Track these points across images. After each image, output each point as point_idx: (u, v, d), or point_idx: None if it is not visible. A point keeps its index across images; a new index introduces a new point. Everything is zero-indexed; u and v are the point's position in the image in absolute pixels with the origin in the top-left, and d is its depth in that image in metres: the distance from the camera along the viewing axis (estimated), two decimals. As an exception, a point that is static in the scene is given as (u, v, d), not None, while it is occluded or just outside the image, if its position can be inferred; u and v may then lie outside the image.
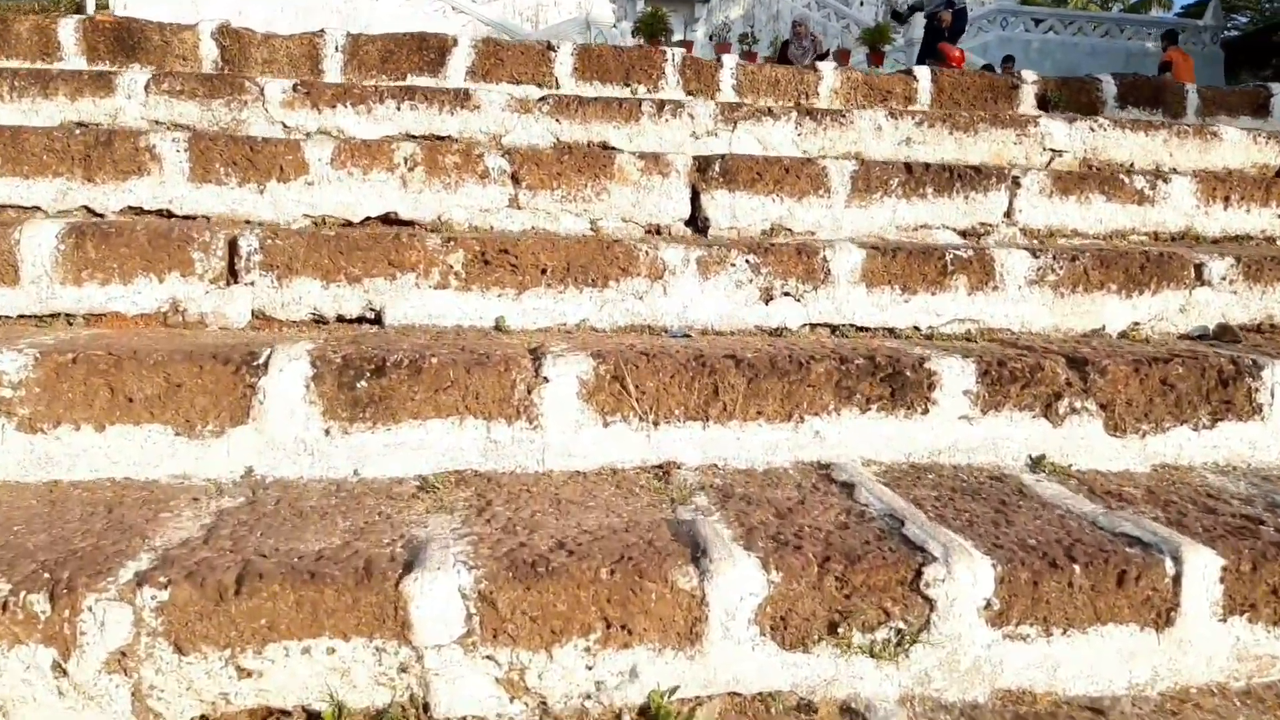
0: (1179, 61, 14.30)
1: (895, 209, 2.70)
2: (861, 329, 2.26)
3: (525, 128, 2.80)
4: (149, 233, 2.08)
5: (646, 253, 2.19)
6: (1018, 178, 2.76)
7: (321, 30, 3.96)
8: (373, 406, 1.64)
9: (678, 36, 22.89)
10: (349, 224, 2.51)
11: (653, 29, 19.79)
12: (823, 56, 11.45)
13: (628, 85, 4.00)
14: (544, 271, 2.15)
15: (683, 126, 2.84)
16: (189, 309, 2.07)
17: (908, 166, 2.70)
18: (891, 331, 2.27)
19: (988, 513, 1.53)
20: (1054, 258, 2.32)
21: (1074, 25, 22.14)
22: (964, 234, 2.75)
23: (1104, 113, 4.31)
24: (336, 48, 3.88)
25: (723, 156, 2.63)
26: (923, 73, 4.16)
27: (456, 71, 3.91)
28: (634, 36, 20.72)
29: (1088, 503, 1.61)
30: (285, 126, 2.88)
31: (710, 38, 22.95)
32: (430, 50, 3.91)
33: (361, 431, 1.64)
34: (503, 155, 2.56)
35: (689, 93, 4.04)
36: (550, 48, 3.98)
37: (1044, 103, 4.24)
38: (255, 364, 1.64)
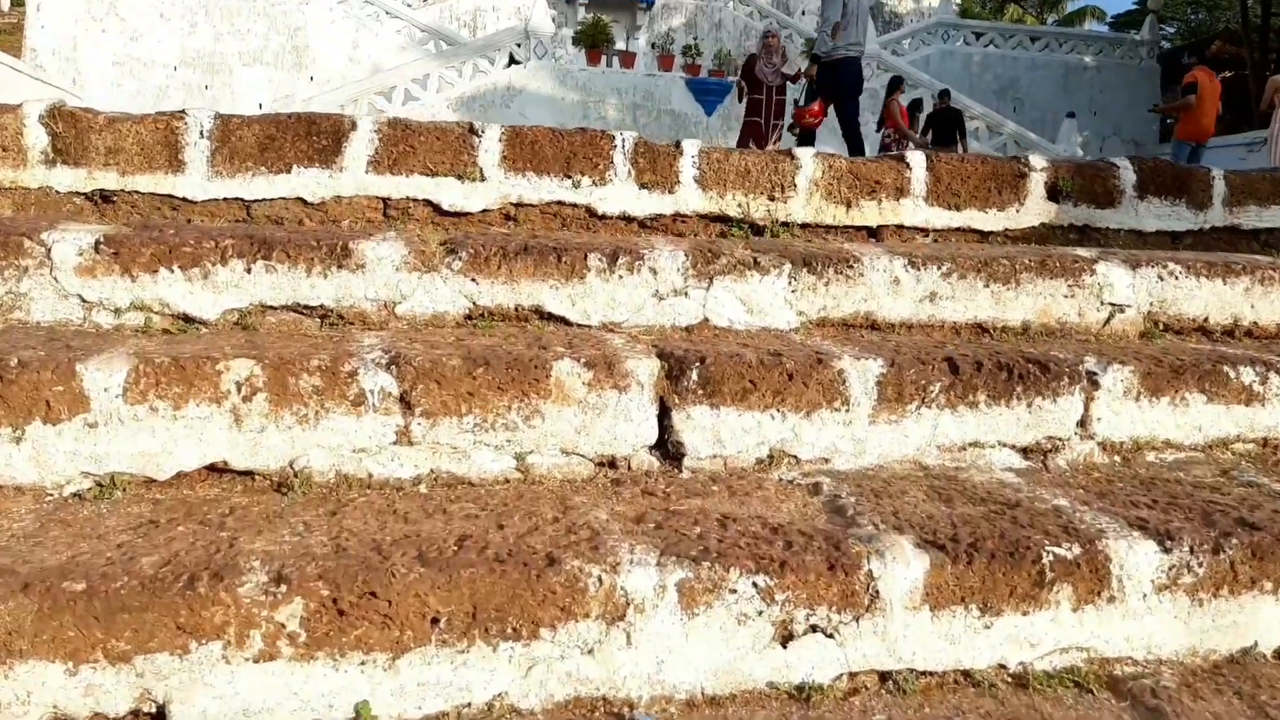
0: (1205, 84, 11.07)
1: (937, 423, 1.92)
2: (925, 673, 1.47)
3: (429, 291, 1.94)
4: None
5: (599, 581, 1.36)
6: (1095, 374, 1.99)
7: (182, 112, 3.04)
8: None
9: (619, 45, 22.00)
10: (152, 482, 1.65)
11: (593, 39, 18.88)
12: (792, 78, 10.31)
13: (568, 176, 3.16)
14: (435, 621, 1.32)
15: (641, 285, 2.02)
16: None
17: (951, 364, 1.91)
18: (968, 675, 1.49)
19: None
20: (1191, 550, 1.56)
21: (1014, 39, 21.75)
22: (1026, 452, 1.98)
23: (1121, 204, 3.59)
24: (202, 133, 2.96)
25: (702, 361, 1.82)
26: (917, 161, 3.38)
27: (356, 161, 3.02)
28: (575, 46, 19.77)
29: None
30: (84, 301, 1.98)
31: (653, 45, 22.11)
32: (322, 135, 3.02)
33: None
34: (387, 369, 1.71)
35: (643, 185, 3.20)
36: (474, 131, 3.12)
37: (1054, 192, 3.49)
38: None
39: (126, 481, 1.64)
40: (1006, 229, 3.46)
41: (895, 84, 13.90)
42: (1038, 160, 3.48)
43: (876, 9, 24.45)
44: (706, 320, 2.02)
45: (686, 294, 2.01)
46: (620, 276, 1.97)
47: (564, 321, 1.98)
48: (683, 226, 3.26)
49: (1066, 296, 2.18)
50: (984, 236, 3.47)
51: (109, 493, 1.58)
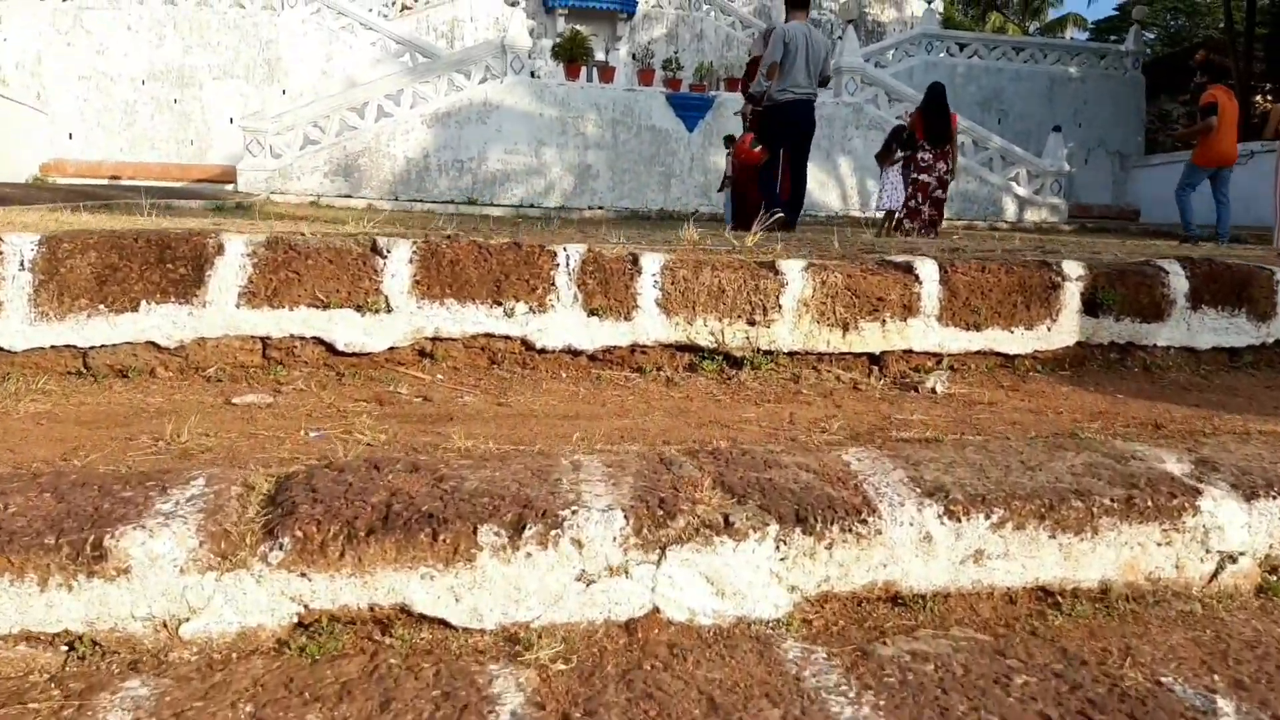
0: (1225, 103, 9.98)
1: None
2: None
3: (233, 599, 1.24)
4: None
5: None
6: None
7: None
8: None
9: (600, 56, 21.27)
10: None
11: (571, 53, 18.15)
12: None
13: (498, 303, 2.49)
14: None
15: (561, 563, 1.32)
16: None
17: None
18: None
19: None
20: None
21: (998, 50, 21.11)
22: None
23: (1171, 316, 2.95)
24: (22, 264, 2.28)
25: None
26: (927, 272, 2.73)
27: (224, 293, 2.35)
28: (554, 59, 19.02)
29: None
30: None
31: (634, 57, 21.39)
32: (179, 261, 2.34)
33: None
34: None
35: (593, 311, 2.54)
36: (377, 250, 2.44)
37: (1092, 305, 2.86)
38: None
39: None
40: (1036, 351, 2.82)
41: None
42: (1073, 268, 2.84)
43: (859, 20, 23.80)
44: (656, 611, 1.36)
45: (627, 572, 1.35)
46: (528, 554, 1.31)
47: (444, 625, 1.31)
48: (642, 359, 2.60)
49: (1160, 544, 1.54)
50: (1009, 361, 2.82)
51: None
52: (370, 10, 20.73)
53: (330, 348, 2.41)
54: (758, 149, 7.82)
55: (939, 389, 2.53)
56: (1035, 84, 21.04)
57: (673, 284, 2.58)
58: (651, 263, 2.58)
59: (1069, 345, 2.84)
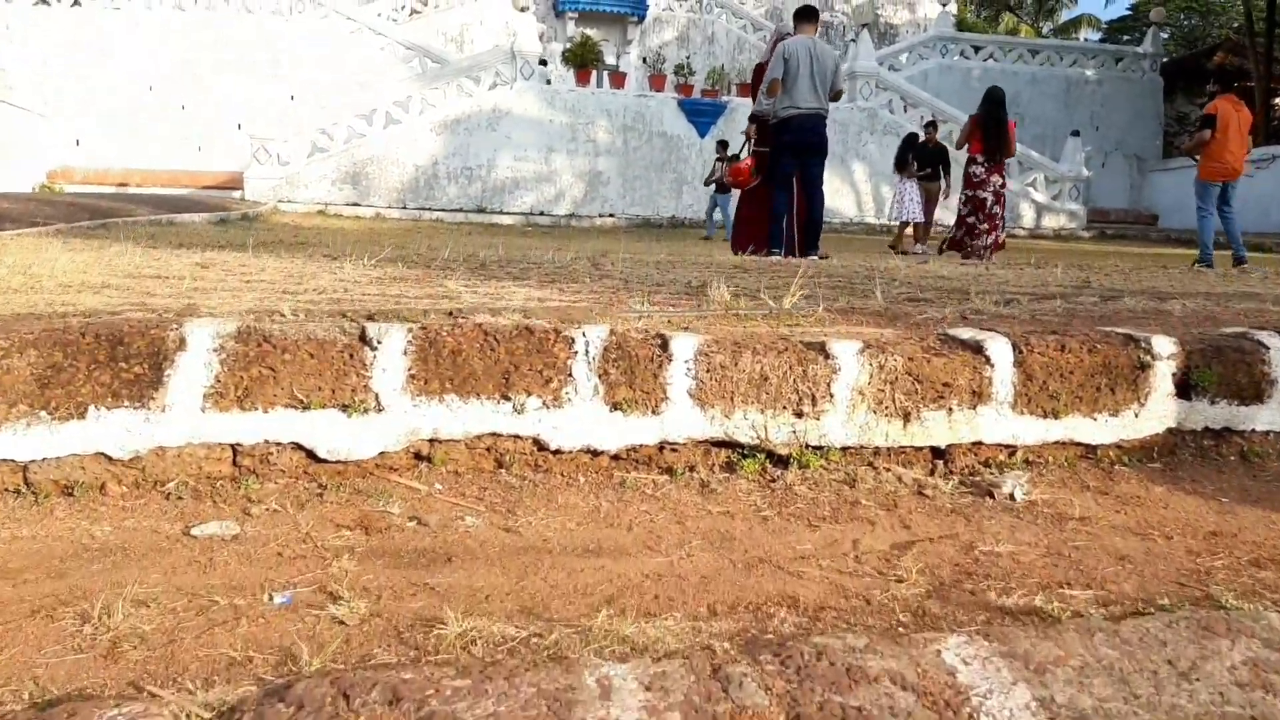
0: (1229, 114, 9.02)
1: None
2: None
3: None
4: None
5: None
6: None
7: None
8: None
9: (610, 60, 20.85)
10: None
11: (583, 59, 17.76)
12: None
13: (507, 398, 2.14)
14: None
15: None
16: None
17: None
18: None
19: None
20: None
21: (1014, 52, 20.63)
22: None
23: (1272, 397, 2.57)
24: (-47, 358, 1.93)
25: None
26: (1000, 353, 2.36)
27: (187, 395, 1.99)
28: (564, 65, 18.64)
29: None
30: None
31: (644, 60, 20.98)
32: (134, 359, 1.99)
33: None
34: None
35: (616, 405, 2.18)
36: (366, 340, 2.09)
37: (1184, 387, 2.49)
38: None
39: None
40: (1120, 440, 2.45)
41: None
42: (1163, 344, 2.46)
43: (872, 23, 23.35)
44: None
45: None
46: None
47: None
48: (673, 458, 2.24)
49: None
50: (1090, 452, 2.45)
51: None
52: (379, 15, 20.41)
53: (311, 454, 2.05)
54: (744, 163, 7.54)
55: (1018, 495, 2.17)
56: (1052, 87, 20.58)
57: (708, 371, 2.21)
58: (684, 347, 2.21)
59: (1158, 433, 2.47)
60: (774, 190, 7.28)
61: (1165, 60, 21.95)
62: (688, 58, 19.45)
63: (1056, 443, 2.43)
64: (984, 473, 2.36)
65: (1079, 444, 2.45)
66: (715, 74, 17.94)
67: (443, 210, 16.19)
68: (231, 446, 2.03)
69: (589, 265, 5.09)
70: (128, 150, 18.31)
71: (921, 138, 13.03)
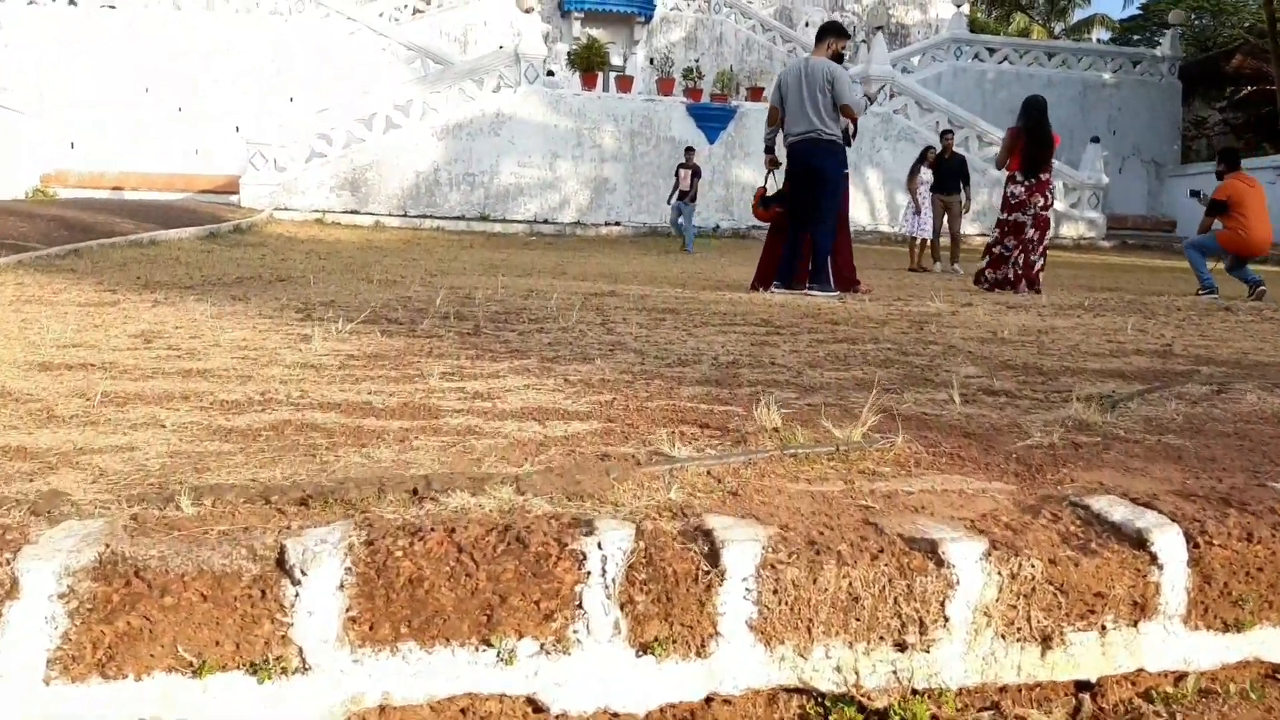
0: (1243, 194, 8.08)
1: None
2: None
3: None
4: None
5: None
6: None
7: None
8: None
9: (616, 61, 20.10)
10: None
11: (588, 62, 17.01)
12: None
13: (489, 644, 1.47)
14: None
15: None
16: None
17: None
18: None
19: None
20: None
21: (1029, 55, 19.85)
22: None
23: None
24: None
25: None
26: (1169, 547, 1.69)
27: (18, 663, 1.33)
28: (569, 68, 17.90)
29: None
30: None
31: (651, 61, 20.23)
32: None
33: None
34: None
35: (644, 648, 1.52)
36: (283, 566, 1.42)
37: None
38: None
39: None
40: (1326, 659, 1.77)
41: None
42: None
43: (885, 24, 22.54)
44: None
45: None
46: None
47: None
48: (725, 715, 1.57)
49: None
50: (1277, 670, 1.79)
51: None
52: (381, 14, 19.69)
53: (204, 742, 1.39)
54: (769, 208, 7.04)
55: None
56: (1068, 90, 19.80)
57: (775, 592, 1.55)
58: (741, 559, 1.55)
59: (1373, 644, 1.80)
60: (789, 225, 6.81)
61: (1182, 62, 21.17)
62: (696, 59, 18.70)
63: (1239, 663, 1.77)
64: (1146, 710, 1.70)
65: (1266, 661, 1.79)
66: (724, 77, 17.16)
67: (444, 218, 15.49)
68: (86, 736, 1.36)
69: (597, 321, 4.43)
70: (124, 153, 17.62)
71: (939, 148, 12.28)
